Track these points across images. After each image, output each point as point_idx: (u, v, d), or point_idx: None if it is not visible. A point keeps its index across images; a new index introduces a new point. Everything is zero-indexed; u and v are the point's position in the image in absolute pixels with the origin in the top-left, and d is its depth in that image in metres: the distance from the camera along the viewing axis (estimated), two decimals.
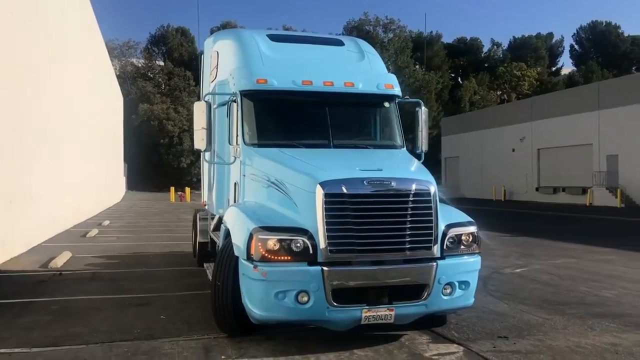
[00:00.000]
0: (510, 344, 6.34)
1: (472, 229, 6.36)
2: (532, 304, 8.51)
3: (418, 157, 8.17)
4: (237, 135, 7.32)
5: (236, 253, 6.02)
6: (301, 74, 7.33)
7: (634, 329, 7.05)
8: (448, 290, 6.08)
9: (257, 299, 5.76)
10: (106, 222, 23.03)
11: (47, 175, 16.96)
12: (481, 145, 51.84)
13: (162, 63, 70.78)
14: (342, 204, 5.68)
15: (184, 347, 6.10)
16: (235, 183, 7.57)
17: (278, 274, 5.65)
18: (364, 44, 8.87)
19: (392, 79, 7.86)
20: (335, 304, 5.66)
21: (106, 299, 8.63)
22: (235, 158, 7.40)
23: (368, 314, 5.77)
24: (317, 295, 5.62)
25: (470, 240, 6.28)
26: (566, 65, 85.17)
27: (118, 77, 56.64)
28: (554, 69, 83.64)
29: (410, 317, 6.09)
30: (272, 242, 5.67)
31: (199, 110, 7.31)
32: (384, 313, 5.82)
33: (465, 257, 6.24)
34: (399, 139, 7.77)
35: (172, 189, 46.06)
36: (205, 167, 10.71)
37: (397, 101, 7.98)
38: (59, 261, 11.92)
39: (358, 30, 68.45)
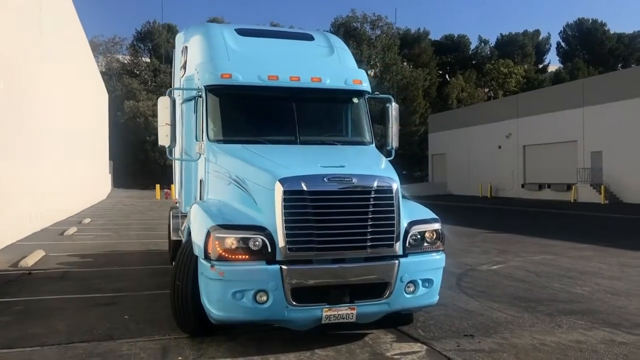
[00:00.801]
0: (475, 342, 6.27)
1: (436, 225, 6.27)
2: (504, 301, 8.46)
3: (389, 153, 8.09)
4: (202, 132, 7.18)
5: (195, 252, 5.89)
6: (267, 68, 7.19)
7: (601, 326, 7.01)
8: (411, 289, 5.99)
9: (214, 299, 5.64)
10: (87, 220, 22.77)
11: (22, 173, 16.70)
12: (468, 142, 51.96)
13: (148, 60, 70.17)
14: (301, 202, 5.57)
15: (142, 348, 5.97)
16: (200, 180, 7.44)
17: (235, 273, 5.53)
18: (334, 39, 8.76)
19: (361, 75, 7.74)
20: (294, 303, 5.56)
21: (72, 298, 8.47)
22: (200, 155, 7.26)
23: (329, 313, 5.67)
24: (275, 295, 5.51)
25: (434, 237, 6.20)
26: (553, 63, 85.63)
27: (103, 73, 56.16)
28: (540, 66, 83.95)
29: (373, 316, 6.00)
30: (230, 240, 5.55)
31: (162, 105, 7.14)
32: (345, 312, 5.72)
33: (429, 254, 6.15)
34: (367, 135, 7.66)
35: (158, 186, 45.70)
36: (176, 164, 10.55)
37: (366, 97, 7.85)
38: (30, 260, 11.70)
39: (346, 27, 68.34)
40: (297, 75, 7.23)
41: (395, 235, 5.83)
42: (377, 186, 5.80)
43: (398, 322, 6.79)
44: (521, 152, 46.09)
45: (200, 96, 7.25)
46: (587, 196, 38.31)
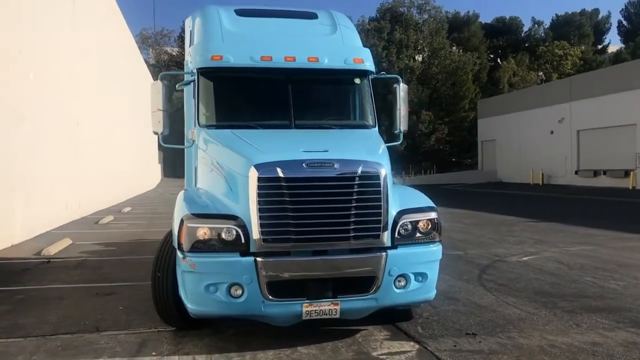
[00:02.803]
0: (475, 342, 5.74)
1: (432, 214, 5.74)
2: (523, 296, 7.82)
3: (397, 137, 7.60)
4: (194, 117, 6.90)
5: (174, 242, 5.62)
6: (261, 49, 6.79)
7: (626, 326, 6.32)
8: (402, 283, 5.52)
9: (189, 292, 5.37)
10: (127, 209, 23.18)
11: (59, 163, 17.06)
12: (518, 127, 49.92)
13: None
14: (277, 189, 5.18)
15: (120, 342, 5.78)
16: (195, 167, 7.17)
17: (207, 265, 5.22)
18: (339, 16, 8.24)
19: (364, 53, 7.23)
20: (271, 297, 5.20)
21: (76, 287, 8.44)
22: (194, 141, 6.98)
23: (309, 308, 5.28)
24: (250, 289, 5.17)
25: (429, 227, 5.67)
26: (614, 43, 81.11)
27: (154, 65, 57.23)
28: (599, 46, 79.76)
29: (359, 312, 5.57)
30: (202, 230, 5.24)
31: (154, 90, 6.87)
32: (327, 308, 5.31)
33: (422, 246, 5.64)
34: (370, 118, 7.15)
35: None
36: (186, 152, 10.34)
37: (370, 77, 7.33)
38: (54, 249, 11.86)
39: (392, 12, 66.92)
40: (293, 55, 6.81)
41: (382, 226, 5.36)
42: (362, 172, 5.33)
43: (396, 318, 6.34)
44: (575, 137, 43.85)
45: (194, 80, 6.96)
46: None
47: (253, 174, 5.19)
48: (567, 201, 28.75)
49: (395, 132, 7.57)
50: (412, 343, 5.71)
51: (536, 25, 78.67)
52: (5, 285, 8.61)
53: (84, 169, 20.24)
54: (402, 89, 7.50)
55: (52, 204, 16.24)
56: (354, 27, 8.15)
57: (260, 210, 5.15)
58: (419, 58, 67.76)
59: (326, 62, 6.88)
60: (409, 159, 60.89)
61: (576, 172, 43.39)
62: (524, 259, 11.05)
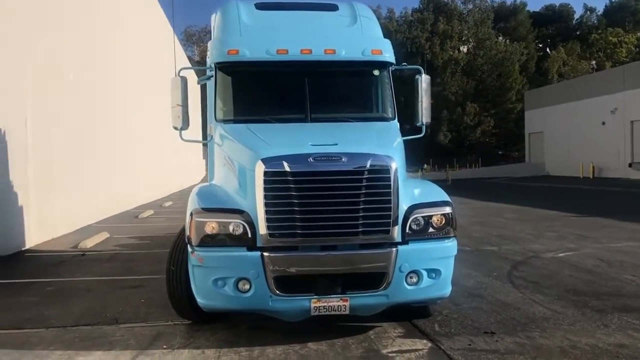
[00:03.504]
0: (492, 341, 5.54)
1: (446, 209, 5.55)
2: (553, 294, 7.51)
3: (419, 130, 7.41)
4: (212, 112, 6.92)
5: (185, 237, 5.66)
6: (277, 42, 6.74)
7: None
8: (414, 280, 5.37)
9: (198, 286, 5.40)
10: (168, 203, 23.68)
11: (103, 159, 17.58)
12: (568, 118, 48.21)
13: None
14: (283, 183, 5.11)
15: (135, 334, 5.88)
16: (212, 162, 7.19)
17: (215, 259, 5.23)
18: (361, 7, 8.08)
19: (383, 44, 7.06)
20: (278, 292, 5.15)
21: (105, 280, 8.64)
22: (212, 136, 7.01)
23: (318, 304, 5.21)
24: (257, 283, 5.14)
25: (442, 222, 5.49)
26: None
27: (198, 62, 58.15)
28: None
29: (370, 308, 5.46)
30: (210, 225, 5.25)
31: (174, 86, 6.94)
32: (336, 304, 5.23)
33: (435, 241, 5.46)
34: (389, 111, 7.00)
35: None
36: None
37: (390, 69, 7.17)
38: (90, 242, 12.22)
39: (435, 2, 65.78)
40: (309, 48, 6.72)
41: (391, 220, 5.22)
42: (371, 166, 5.20)
43: (413, 315, 6.20)
44: (628, 127, 41.97)
45: (212, 75, 6.98)
46: None
47: (259, 168, 5.16)
48: (618, 195, 27.57)
49: (417, 124, 7.36)
50: (425, 341, 5.55)
51: (588, 12, 75.86)
52: (39, 277, 8.92)
53: (127, 164, 20.79)
54: (424, 80, 7.30)
55: (95, 198, 16.73)
56: (375, 18, 7.97)
57: (266, 204, 5.11)
58: (463, 49, 66.38)
59: (343, 54, 6.76)
60: (454, 152, 59.94)
61: (630, 165, 41.53)
62: (561, 255, 10.63)
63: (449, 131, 62.91)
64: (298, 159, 5.16)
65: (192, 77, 8.02)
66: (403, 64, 7.72)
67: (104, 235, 13.41)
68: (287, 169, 5.11)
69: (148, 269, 9.36)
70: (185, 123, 6.99)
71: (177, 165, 33.69)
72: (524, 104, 58.16)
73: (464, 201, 24.14)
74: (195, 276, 5.38)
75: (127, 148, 20.85)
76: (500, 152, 66.36)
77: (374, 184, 5.20)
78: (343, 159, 5.19)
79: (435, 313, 6.42)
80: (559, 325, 6.06)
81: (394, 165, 5.30)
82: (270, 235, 5.12)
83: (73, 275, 9.03)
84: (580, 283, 8.21)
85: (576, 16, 76.25)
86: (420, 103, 7.31)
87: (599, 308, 6.77)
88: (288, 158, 5.16)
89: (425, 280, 5.41)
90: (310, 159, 5.15)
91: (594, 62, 70.64)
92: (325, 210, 5.14)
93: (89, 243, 12.07)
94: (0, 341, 5.73)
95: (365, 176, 5.18)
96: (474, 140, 63.38)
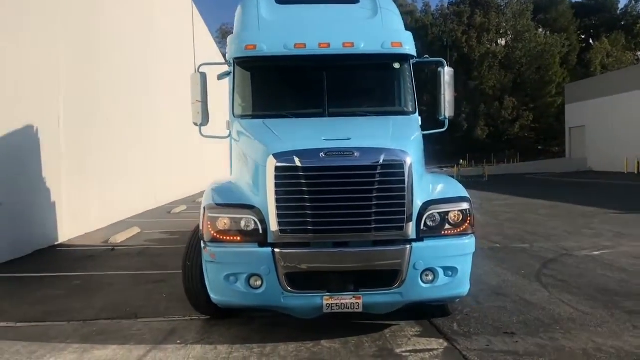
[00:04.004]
0: (511, 342, 5.35)
1: (464, 205, 5.38)
2: (583, 293, 7.23)
3: (441, 124, 7.24)
4: (230, 108, 6.91)
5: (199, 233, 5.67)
6: (296, 36, 6.66)
7: None
8: (429, 277, 5.23)
9: (211, 282, 5.40)
10: (201, 199, 23.87)
11: (136, 155, 17.89)
12: (611, 112, 46.59)
13: None
14: (294, 179, 5.04)
15: (152, 329, 5.92)
16: (230, 158, 7.19)
17: (226, 255, 5.21)
18: (383, 0, 7.94)
19: (403, 36, 6.90)
20: (290, 289, 5.09)
21: (131, 275, 8.76)
22: (230, 132, 7.01)
23: (330, 301, 5.12)
24: (269, 280, 5.10)
25: (460, 219, 5.32)
26: None
27: None
28: None
29: (384, 306, 5.35)
30: (223, 221, 5.23)
31: (193, 82, 6.99)
32: (349, 301, 5.13)
33: (452, 238, 5.30)
34: (410, 105, 6.84)
35: None
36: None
37: (412, 62, 7.01)
38: (121, 237, 12.44)
39: None
40: (327, 42, 6.62)
41: (405, 217, 5.09)
42: (384, 161, 5.08)
43: (431, 314, 6.06)
44: None
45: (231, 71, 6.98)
46: None
47: (271, 163, 5.10)
48: None
49: (440, 118, 7.19)
50: (441, 340, 5.40)
51: (633, 2, 72.86)
52: (68, 271, 9.12)
53: (162, 160, 21.10)
54: (446, 73, 7.12)
55: (129, 194, 17.03)
56: (397, 10, 7.81)
57: (277, 200, 5.05)
58: (501, 42, 64.95)
59: (362, 47, 6.63)
60: (491, 147, 58.80)
61: None
62: (595, 253, 10.25)
63: (487, 126, 61.71)
64: (309, 154, 5.09)
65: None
66: (425, 56, 7.56)
67: (135, 230, 13.64)
68: (298, 164, 5.04)
69: (173, 264, 9.39)
70: (205, 119, 7.03)
71: (212, 160, 34.05)
72: (565, 97, 56.55)
73: (500, 197, 23.65)
74: (208, 272, 5.39)
75: (163, 144, 21.16)
76: (539, 147, 64.68)
77: (387, 179, 5.08)
78: (355, 154, 5.09)
79: (456, 312, 6.25)
80: (585, 327, 5.81)
81: (408, 160, 5.16)
82: (282, 231, 5.06)
83: (100, 270, 9.20)
84: (612, 283, 7.88)
85: (620, 6, 73.55)
86: (442, 96, 7.14)
87: (630, 309, 6.47)
88: (299, 153, 5.09)
89: (442, 279, 5.26)
90: (322, 154, 5.07)
91: (639, 53, 68.03)
92: (337, 206, 5.05)
93: (119, 238, 12.29)
94: (22, 333, 5.86)
95: (378, 171, 5.06)
96: (512, 135, 62.01)
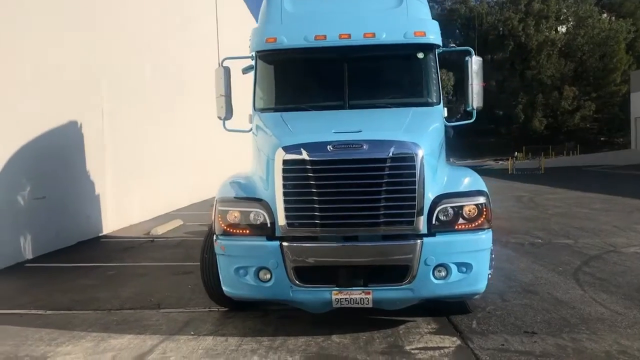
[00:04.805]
0: (529, 342, 5.11)
1: (480, 199, 5.17)
2: (620, 293, 6.84)
3: (469, 115, 7.01)
4: (252, 101, 6.93)
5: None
6: (317, 28, 6.59)
7: None
8: (442, 274, 5.07)
9: (222, 275, 5.45)
10: None
11: (181, 149, 18.30)
12: None
13: None
14: (301, 172, 4.99)
15: (170, 319, 6.04)
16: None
17: (235, 248, 5.24)
18: None
19: (427, 26, 6.69)
20: (298, 283, 5.06)
21: (164, 266, 8.97)
22: (251, 126, 7.03)
23: (339, 296, 5.06)
24: (277, 273, 5.08)
25: (475, 213, 5.12)
26: None
27: None
28: None
29: (395, 302, 5.23)
30: (233, 214, 5.26)
31: (217, 76, 7.05)
32: (358, 296, 5.05)
33: (466, 233, 5.11)
34: (433, 95, 6.64)
35: None
36: None
37: (437, 51, 6.80)
38: (162, 229, 12.76)
39: None
40: (348, 33, 6.52)
41: (415, 211, 4.94)
42: (394, 153, 4.94)
43: (450, 311, 5.88)
44: None
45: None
46: None
47: (279, 156, 5.07)
48: None
49: (468, 109, 6.95)
50: (454, 338, 5.23)
51: None
52: (105, 261, 9.44)
53: (207, 153, 21.49)
54: (474, 62, 6.86)
55: (175, 188, 17.45)
56: None
57: (285, 193, 5.02)
58: (561, 29, 62.36)
59: (383, 37, 6.49)
60: (549, 138, 56.72)
61: None
62: None
63: (545, 117, 59.54)
64: (317, 147, 5.02)
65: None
66: (451, 45, 7.36)
67: (177, 222, 13.97)
68: (305, 156, 4.98)
69: None
70: (229, 113, 7.07)
71: None
72: (630, 85, 53.72)
73: (553, 190, 22.78)
74: (220, 265, 5.44)
75: (206, 137, 21.54)
76: (602, 139, 61.87)
77: (396, 172, 4.95)
78: (364, 147, 4.98)
79: (478, 309, 6.05)
80: (614, 328, 5.49)
81: (420, 153, 5.00)
82: (289, 225, 5.03)
83: (135, 261, 9.47)
84: None
85: None
86: (470, 86, 6.89)
87: None
88: (307, 146, 5.03)
89: (455, 275, 5.09)
90: (330, 147, 4.99)
91: None
92: (345, 200, 4.96)
93: (160, 230, 12.61)
94: (48, 321, 6.10)
95: (387, 164, 4.93)
96: (572, 127, 59.56)
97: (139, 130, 14.70)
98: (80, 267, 8.90)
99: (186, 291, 7.28)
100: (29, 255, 9.60)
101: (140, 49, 15.18)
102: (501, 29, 59.12)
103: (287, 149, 5.08)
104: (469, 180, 5.48)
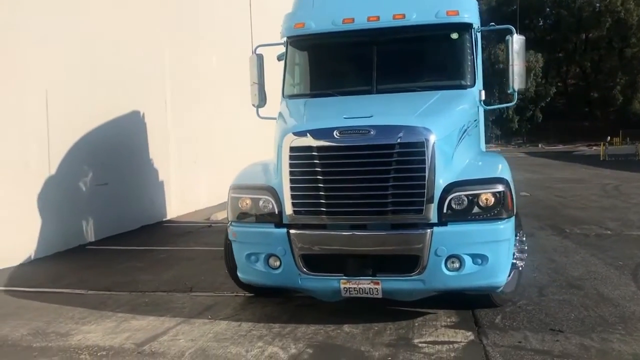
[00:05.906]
0: (551, 340, 4.74)
1: (498, 187, 4.84)
2: None
3: (510, 98, 6.63)
4: (281, 88, 6.92)
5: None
6: (345, 11, 6.44)
7: None
8: (455, 265, 4.81)
9: (236, 260, 5.51)
10: None
11: (247, 136, 18.66)
12: None
13: None
14: (307, 159, 4.90)
15: (195, 303, 6.20)
16: None
17: (245, 235, 5.28)
18: None
19: (461, 4, 6.33)
20: (306, 270, 5.01)
21: (211, 250, 9.17)
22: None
23: (347, 285, 4.96)
24: (285, 260, 5.06)
25: (492, 202, 4.79)
26: None
27: None
28: None
29: (406, 293, 5.05)
30: (244, 201, 5.30)
31: (250, 64, 7.10)
32: (367, 286, 4.92)
33: (480, 223, 4.80)
34: (467, 77, 6.29)
35: None
36: None
37: (473, 31, 6.43)
38: (222, 215, 13.05)
39: None
40: (376, 15, 6.31)
41: (425, 199, 4.71)
42: (402, 139, 4.73)
43: (475, 304, 5.60)
44: None
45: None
46: None
47: (286, 143, 5.02)
48: None
49: (509, 91, 6.54)
50: (469, 333, 4.96)
51: None
52: (160, 245, 9.86)
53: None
54: (515, 41, 6.43)
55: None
56: None
57: (291, 180, 4.97)
58: (590, 9, 57.11)
59: (414, 18, 6.23)
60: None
61: None
62: None
63: None
64: (323, 133, 4.92)
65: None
66: (491, 23, 6.93)
67: None
68: (310, 143, 4.90)
69: None
70: (262, 100, 7.10)
71: None
72: None
73: None
74: (234, 250, 5.50)
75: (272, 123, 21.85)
76: None
77: (404, 158, 4.75)
78: (371, 132, 4.80)
79: (508, 304, 5.71)
80: None
81: (431, 138, 4.76)
82: (296, 212, 4.98)
83: (188, 245, 9.81)
84: None
85: None
86: (511, 67, 6.47)
87: None
88: (313, 132, 4.94)
89: (469, 267, 4.81)
90: (336, 133, 4.86)
91: None
92: (351, 187, 4.84)
93: (220, 216, 12.94)
94: (85, 300, 6.47)
95: (395, 150, 4.74)
96: None
97: (202, 120, 15.11)
98: (134, 250, 9.35)
99: (220, 276, 7.41)
100: (91, 238, 10.22)
101: (207, 39, 15.59)
102: (597, 4, 55.06)
103: (294, 135, 5.02)
104: (490, 167, 5.17)
